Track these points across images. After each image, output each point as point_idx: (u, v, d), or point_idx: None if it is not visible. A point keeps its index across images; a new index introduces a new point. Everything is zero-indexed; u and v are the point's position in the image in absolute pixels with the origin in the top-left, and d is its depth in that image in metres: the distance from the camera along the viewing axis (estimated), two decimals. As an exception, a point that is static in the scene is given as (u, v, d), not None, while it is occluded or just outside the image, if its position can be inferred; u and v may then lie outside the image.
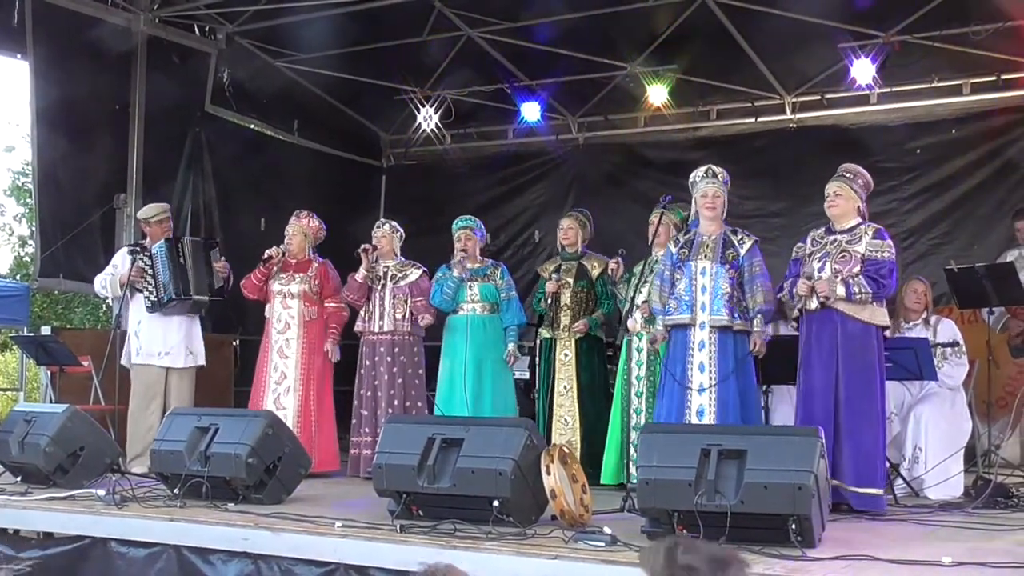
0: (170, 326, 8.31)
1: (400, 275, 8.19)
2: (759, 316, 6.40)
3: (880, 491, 6.12)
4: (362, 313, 8.21)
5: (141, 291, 8.30)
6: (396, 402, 7.99)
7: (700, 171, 6.60)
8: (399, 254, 8.33)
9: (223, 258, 8.43)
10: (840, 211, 6.31)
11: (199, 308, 8.42)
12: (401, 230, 8.39)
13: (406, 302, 8.12)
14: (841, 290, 6.08)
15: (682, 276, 6.53)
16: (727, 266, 6.42)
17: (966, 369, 7.29)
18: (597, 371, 7.98)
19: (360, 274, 8.13)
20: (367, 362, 8.13)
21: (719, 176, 6.55)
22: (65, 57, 9.57)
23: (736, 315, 6.39)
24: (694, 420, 6.31)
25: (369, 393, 8.09)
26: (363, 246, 8.20)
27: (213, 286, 8.37)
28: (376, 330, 8.12)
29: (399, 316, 8.11)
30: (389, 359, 8.06)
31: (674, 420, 6.35)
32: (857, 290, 6.07)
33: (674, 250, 6.66)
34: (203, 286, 8.31)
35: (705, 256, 6.48)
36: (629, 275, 7.51)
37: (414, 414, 7.89)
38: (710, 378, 6.36)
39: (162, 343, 8.30)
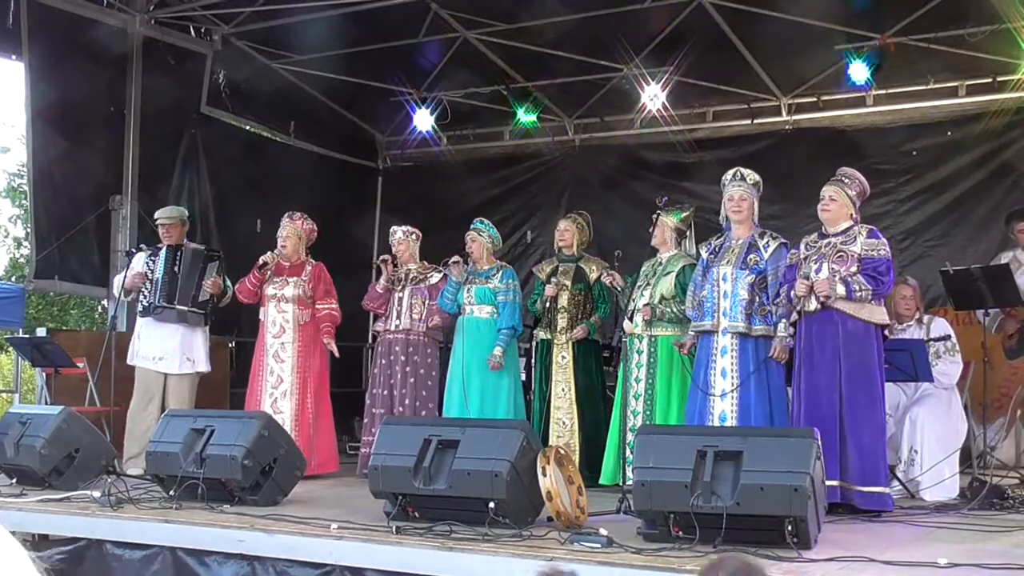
0: (164, 332, 8.27)
1: (421, 277, 8.24)
2: (783, 321, 6.38)
3: (887, 489, 6.12)
4: (379, 315, 8.27)
5: (141, 293, 8.29)
6: (408, 401, 8.02)
7: (729, 174, 6.63)
8: (418, 257, 8.36)
9: (215, 275, 8.28)
10: (832, 216, 6.31)
11: (185, 318, 8.30)
12: (416, 232, 8.41)
13: (424, 303, 8.16)
14: (841, 289, 6.07)
15: (705, 281, 6.57)
16: (747, 271, 6.44)
17: (960, 367, 7.29)
18: (594, 374, 8.01)
19: (381, 284, 8.18)
20: (382, 361, 8.19)
21: (747, 179, 6.57)
22: (61, 58, 9.56)
23: (756, 321, 6.41)
24: (716, 425, 6.35)
25: (385, 392, 8.11)
26: (383, 257, 8.25)
27: (197, 299, 8.26)
28: (392, 329, 8.18)
29: (415, 316, 8.16)
30: (404, 358, 8.10)
31: (697, 424, 6.41)
32: (857, 288, 6.07)
33: (704, 254, 6.72)
34: (187, 297, 8.24)
35: (728, 261, 6.51)
36: (633, 277, 7.52)
37: (423, 415, 7.91)
38: (732, 383, 6.40)
39: (157, 348, 8.26)
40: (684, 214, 7.43)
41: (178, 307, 8.22)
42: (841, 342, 6.13)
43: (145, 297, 8.25)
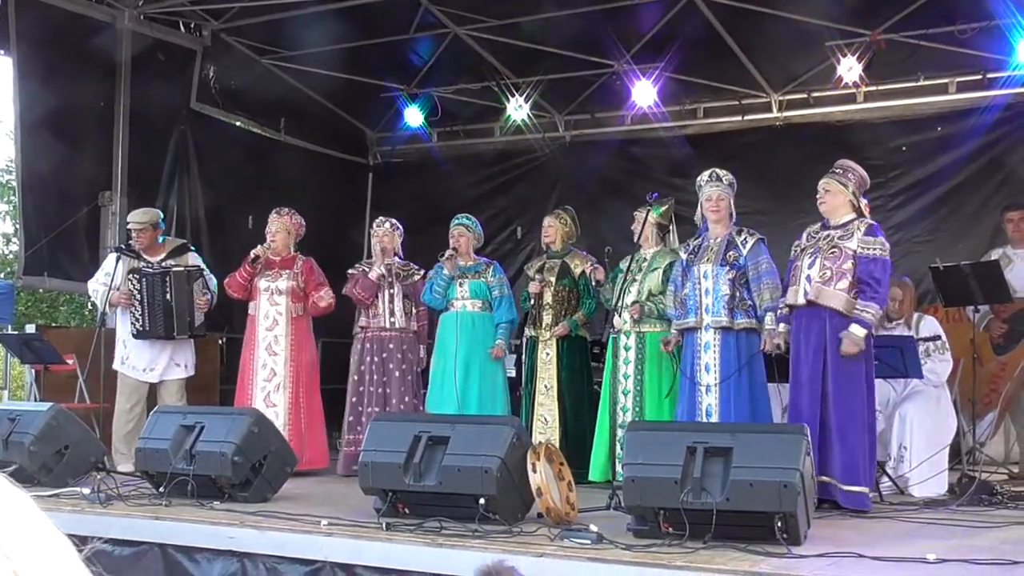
0: (155, 345, 8.29)
1: (405, 273, 8.22)
2: (768, 314, 6.44)
3: (866, 489, 6.13)
4: (365, 311, 8.23)
5: (130, 311, 8.24)
6: (407, 399, 8.03)
7: (705, 175, 6.68)
8: (399, 253, 8.36)
9: (202, 292, 8.32)
10: (829, 207, 6.34)
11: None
12: (400, 227, 8.40)
13: (410, 300, 8.15)
14: (860, 330, 6.05)
15: (687, 280, 6.62)
16: (727, 267, 6.51)
17: (950, 365, 7.31)
18: (579, 370, 7.99)
19: (375, 273, 8.14)
20: (369, 358, 8.15)
21: (724, 179, 6.64)
22: (49, 54, 9.51)
23: (738, 315, 6.47)
24: (703, 420, 6.42)
25: (374, 389, 8.09)
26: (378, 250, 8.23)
27: (193, 324, 8.28)
28: (376, 327, 8.14)
29: (400, 313, 8.13)
30: (399, 356, 8.10)
31: (687, 420, 6.47)
32: (869, 316, 6.07)
33: (683, 255, 6.80)
34: (184, 324, 8.24)
35: (708, 259, 6.59)
36: (615, 272, 7.54)
37: (419, 411, 7.90)
38: (715, 378, 6.47)
39: (148, 361, 8.29)
40: (663, 208, 7.41)
41: (178, 337, 8.25)
42: (827, 337, 6.15)
43: (137, 320, 8.20)
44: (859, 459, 6.10)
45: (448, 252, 7.91)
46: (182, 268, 8.38)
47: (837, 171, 6.37)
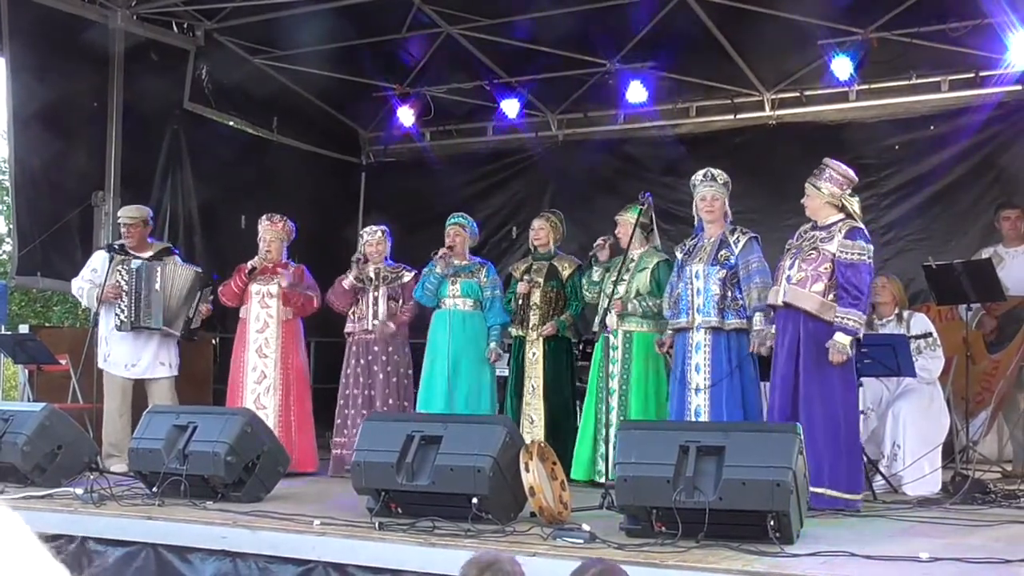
0: (138, 341, 8.26)
1: (392, 276, 8.21)
2: (757, 314, 6.43)
3: (831, 491, 5.98)
4: (351, 315, 8.21)
5: (114, 305, 8.24)
6: (391, 400, 8.01)
7: (699, 174, 6.68)
8: (388, 257, 8.35)
9: (208, 300, 8.36)
10: (810, 210, 6.34)
11: (170, 336, 8.33)
12: (388, 232, 8.40)
13: (397, 303, 8.15)
14: (845, 338, 5.99)
15: (680, 280, 6.63)
16: (718, 267, 6.53)
17: (942, 362, 7.31)
18: (564, 370, 8.03)
19: (348, 281, 8.13)
20: (354, 361, 8.13)
21: (718, 179, 6.64)
22: (42, 53, 9.49)
23: (728, 315, 6.48)
24: (693, 421, 6.42)
25: (357, 392, 8.07)
26: (356, 256, 8.22)
27: (190, 325, 8.30)
28: (368, 329, 8.12)
29: (390, 315, 8.12)
30: (383, 358, 8.07)
31: (676, 420, 6.48)
32: (850, 322, 6.03)
33: (679, 255, 6.82)
34: (179, 322, 8.25)
35: (700, 259, 6.60)
36: (587, 273, 7.61)
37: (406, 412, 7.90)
38: (705, 379, 6.49)
39: (130, 356, 8.26)
40: (644, 208, 7.35)
41: (168, 331, 8.22)
42: (801, 340, 6.10)
43: (122, 312, 8.20)
44: (823, 461, 5.96)
45: (442, 250, 7.91)
46: (194, 271, 8.42)
47: (815, 172, 6.32)
